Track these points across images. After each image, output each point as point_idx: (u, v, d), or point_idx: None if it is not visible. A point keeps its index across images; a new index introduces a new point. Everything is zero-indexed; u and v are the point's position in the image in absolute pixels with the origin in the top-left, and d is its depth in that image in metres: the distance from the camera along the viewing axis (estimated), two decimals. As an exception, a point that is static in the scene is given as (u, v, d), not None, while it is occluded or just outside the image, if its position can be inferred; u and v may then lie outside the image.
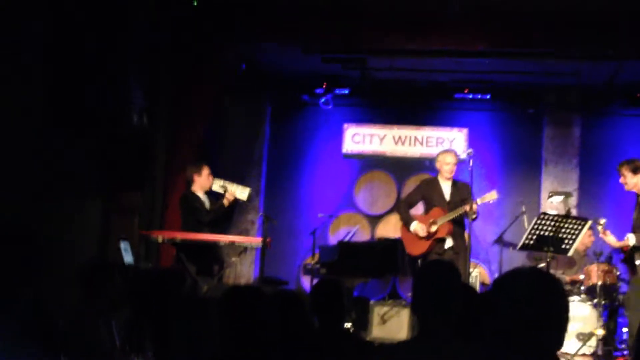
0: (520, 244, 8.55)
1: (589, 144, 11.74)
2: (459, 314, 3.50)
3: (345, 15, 9.58)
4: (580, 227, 8.37)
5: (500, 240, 9.53)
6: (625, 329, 8.70)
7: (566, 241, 8.37)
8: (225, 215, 9.28)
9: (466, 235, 8.93)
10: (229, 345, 3.89)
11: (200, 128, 10.46)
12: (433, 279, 3.63)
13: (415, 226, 8.99)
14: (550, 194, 10.34)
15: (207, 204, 9.16)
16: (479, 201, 8.79)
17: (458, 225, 8.94)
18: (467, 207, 8.70)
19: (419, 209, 9.59)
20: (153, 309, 5.00)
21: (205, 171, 9.15)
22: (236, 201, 9.20)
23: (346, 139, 12.31)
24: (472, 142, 11.57)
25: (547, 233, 8.34)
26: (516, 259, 10.08)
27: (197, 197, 9.11)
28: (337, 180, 12.33)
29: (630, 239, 8.01)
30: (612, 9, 9.01)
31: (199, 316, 5.03)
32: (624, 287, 8.75)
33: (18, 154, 7.29)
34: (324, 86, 11.85)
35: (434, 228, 8.89)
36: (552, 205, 10.26)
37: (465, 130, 11.98)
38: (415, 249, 9.04)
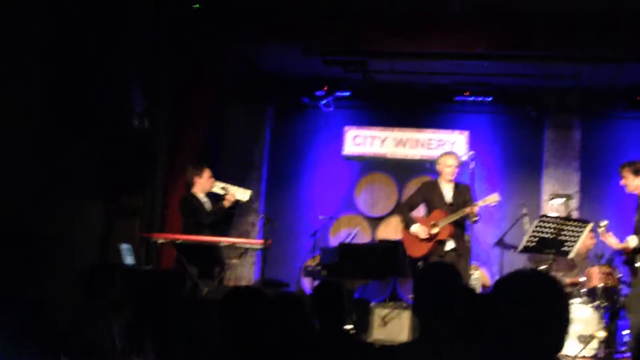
0: (521, 247, 8.53)
1: (589, 146, 11.74)
2: (460, 316, 3.49)
3: (345, 17, 9.58)
4: (581, 230, 8.35)
5: (501, 243, 9.52)
6: (626, 331, 8.69)
7: (567, 243, 8.35)
8: (226, 217, 9.27)
9: (467, 237, 8.93)
10: (230, 347, 3.89)
11: (201, 129, 10.45)
12: (434, 281, 3.63)
13: (416, 228, 8.98)
14: (551, 197, 10.33)
15: (207, 205, 9.15)
16: (480, 203, 8.79)
17: (459, 228, 8.93)
18: (468, 210, 8.70)
19: (420, 211, 9.58)
20: (154, 310, 5.00)
21: (206, 173, 9.15)
22: (237, 203, 9.20)
23: (347, 141, 12.30)
24: (473, 144, 11.56)
25: (548, 235, 8.33)
26: (517, 262, 10.07)
27: (198, 199, 9.11)
28: (338, 182, 12.33)
29: (631, 241, 8.00)
30: (612, 11, 9.00)
31: (199, 318, 5.04)
32: (625, 290, 8.74)
33: (18, 154, 7.30)
34: (325, 88, 11.86)
35: (435, 230, 8.88)
36: (553, 207, 10.25)
37: (466, 133, 11.97)
38: (416, 251, 9.04)
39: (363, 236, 11.88)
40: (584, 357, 8.32)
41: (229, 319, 3.95)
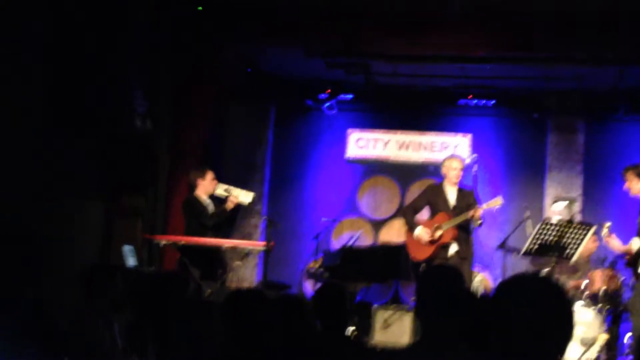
0: (523, 250, 8.53)
1: (593, 149, 11.73)
2: (462, 319, 3.49)
3: (347, 19, 9.57)
4: (584, 233, 8.34)
5: (503, 246, 9.50)
6: (628, 335, 8.68)
7: (570, 247, 8.34)
8: (229, 219, 9.26)
9: (470, 240, 8.93)
10: (232, 349, 3.89)
11: (203, 130, 10.45)
12: (436, 284, 3.63)
13: (419, 231, 8.98)
14: (554, 200, 10.32)
15: (210, 208, 9.15)
16: (484, 207, 8.79)
17: (463, 231, 8.92)
18: (471, 213, 8.69)
19: (424, 214, 9.57)
20: (156, 312, 5.00)
21: (209, 176, 9.15)
22: (239, 205, 9.19)
23: (350, 143, 12.31)
24: (476, 147, 11.56)
25: (550, 239, 8.32)
26: (519, 265, 10.06)
27: (201, 202, 9.10)
28: (341, 185, 12.33)
29: (635, 244, 7.99)
30: (613, 12, 8.98)
31: (201, 319, 5.04)
32: (627, 293, 8.72)
33: (18, 154, 7.30)
34: (328, 91, 11.86)
35: (438, 233, 8.88)
36: (556, 211, 10.24)
37: (469, 136, 11.97)
38: (420, 254, 9.03)
39: (365, 239, 11.87)
40: (586, 360, 8.32)
41: (231, 321, 3.95)
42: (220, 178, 9.42)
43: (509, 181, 11.86)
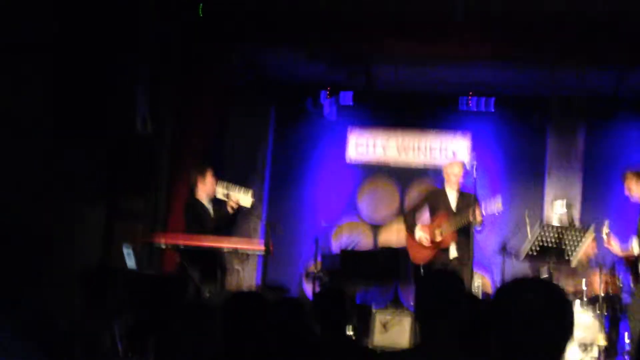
0: (523, 254, 8.53)
1: (592, 152, 11.73)
2: (461, 323, 3.49)
3: (349, 23, 9.58)
4: (583, 237, 8.35)
5: (503, 250, 9.51)
6: (627, 339, 8.69)
7: (569, 250, 8.35)
8: (228, 222, 9.27)
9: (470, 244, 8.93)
10: (231, 352, 3.89)
11: (204, 133, 10.45)
12: (436, 287, 3.63)
13: (419, 234, 8.99)
14: (554, 202, 10.32)
15: (211, 211, 9.16)
16: (485, 211, 8.80)
17: (464, 235, 8.91)
18: (471, 217, 8.69)
19: (425, 218, 9.56)
20: (155, 313, 5.01)
21: (209, 176, 9.14)
22: (239, 208, 9.20)
23: (350, 146, 12.32)
24: (475, 150, 11.53)
25: (549, 243, 8.33)
26: (519, 268, 10.05)
27: (202, 206, 9.11)
28: (341, 188, 12.33)
29: (635, 244, 8.00)
30: (615, 17, 8.99)
31: (201, 322, 5.04)
32: (626, 297, 8.73)
33: (19, 155, 7.30)
34: (328, 94, 11.87)
35: (438, 237, 8.88)
36: (556, 213, 10.25)
37: (468, 139, 11.98)
38: (420, 257, 9.04)
39: (365, 242, 11.88)
40: (585, 363, 8.32)
41: (230, 324, 3.96)
42: (221, 180, 9.42)
43: (509, 183, 11.85)
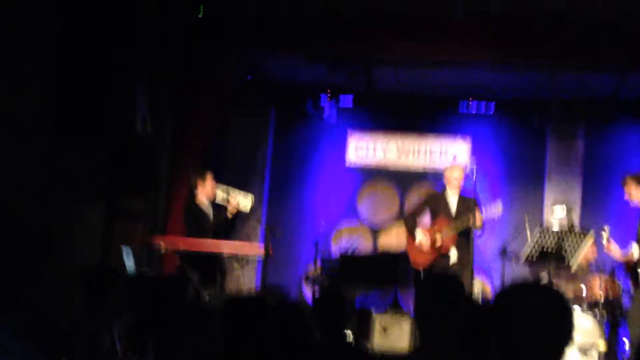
0: (523, 258, 8.52)
1: (592, 156, 11.73)
2: (461, 326, 3.49)
3: (349, 24, 9.58)
4: (582, 242, 8.34)
5: (502, 253, 9.50)
6: (626, 343, 8.68)
7: (569, 254, 8.34)
8: (228, 226, 9.27)
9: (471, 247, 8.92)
10: (231, 354, 3.89)
11: (204, 134, 10.44)
12: (436, 291, 3.62)
13: (419, 238, 8.98)
14: (554, 206, 10.30)
15: (210, 215, 9.16)
16: (485, 215, 8.79)
17: (464, 238, 8.89)
18: (471, 220, 8.68)
19: (425, 221, 9.55)
20: (155, 315, 5.00)
21: (209, 179, 9.15)
22: (239, 212, 9.21)
23: (349, 149, 12.32)
24: (475, 154, 11.55)
25: (549, 248, 8.32)
26: (519, 272, 10.04)
27: (201, 209, 9.11)
28: (340, 191, 12.32)
29: (635, 249, 7.99)
30: (616, 19, 8.98)
31: (200, 324, 5.03)
32: (626, 301, 8.72)
33: (19, 155, 7.30)
34: (328, 96, 11.86)
35: (438, 241, 8.88)
36: (555, 217, 10.24)
37: (468, 142, 11.98)
38: (420, 261, 9.04)
39: (365, 245, 11.88)
40: (584, 367, 8.31)
41: (230, 327, 3.95)
42: (221, 182, 9.42)
43: (508, 187, 11.85)
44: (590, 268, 9.52)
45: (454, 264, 8.90)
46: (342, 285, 9.34)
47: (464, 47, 9.68)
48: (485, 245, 10.67)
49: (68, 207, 8.09)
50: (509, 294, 2.66)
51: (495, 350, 2.58)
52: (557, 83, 10.67)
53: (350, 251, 10.71)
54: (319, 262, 10.20)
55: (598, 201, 11.50)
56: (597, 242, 8.68)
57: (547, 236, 8.33)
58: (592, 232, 8.45)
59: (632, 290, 8.41)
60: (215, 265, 9.03)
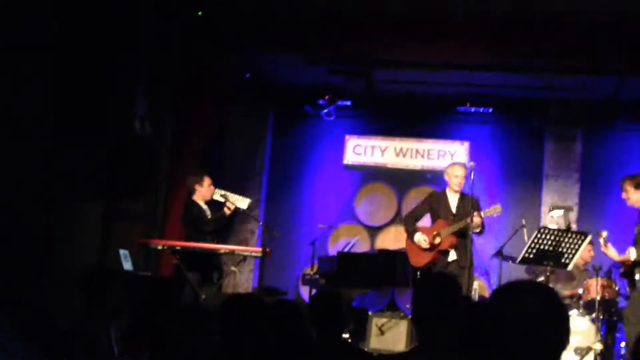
0: (519, 258, 8.53)
1: (590, 158, 11.75)
2: (458, 326, 3.50)
3: (348, 26, 9.59)
4: (580, 242, 8.35)
5: (499, 254, 9.52)
6: (623, 344, 8.70)
7: (566, 255, 8.35)
8: (226, 225, 9.30)
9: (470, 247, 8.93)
10: (227, 354, 3.90)
11: (203, 135, 10.46)
12: (433, 292, 3.64)
13: (418, 237, 8.99)
14: (551, 208, 10.33)
15: (208, 213, 9.18)
16: (483, 213, 8.80)
17: (463, 238, 8.89)
18: (469, 220, 8.69)
19: (426, 221, 9.56)
20: (151, 316, 5.01)
21: (207, 181, 9.18)
22: (236, 210, 9.23)
23: (347, 150, 12.34)
24: (473, 155, 11.58)
25: (546, 247, 8.33)
26: (515, 273, 10.06)
27: (199, 206, 9.13)
28: (338, 191, 12.34)
29: (632, 253, 8.01)
30: (615, 22, 8.99)
31: (197, 324, 5.05)
32: (622, 302, 8.74)
33: (19, 155, 7.31)
34: (327, 97, 11.88)
35: (437, 240, 8.89)
36: (553, 219, 10.26)
37: (466, 143, 12.00)
38: (419, 260, 9.04)
39: (362, 245, 11.90)
40: (581, 368, 8.33)
41: (227, 326, 3.97)
42: (219, 183, 9.45)
43: (506, 189, 11.87)
44: (587, 268, 9.56)
45: (452, 263, 8.91)
46: (339, 285, 9.36)
47: (463, 47, 9.70)
48: (483, 246, 10.70)
49: (68, 207, 8.10)
50: (505, 292, 2.67)
51: (492, 349, 2.60)
52: (557, 83, 10.69)
53: (347, 249, 10.72)
54: (315, 261, 10.22)
55: (595, 203, 11.53)
56: (594, 241, 8.70)
57: (544, 235, 8.33)
58: (590, 236, 8.47)
59: (628, 291, 8.42)
60: (212, 265, 9.05)
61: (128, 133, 8.47)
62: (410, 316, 8.88)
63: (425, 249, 8.98)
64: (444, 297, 3.56)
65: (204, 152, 10.48)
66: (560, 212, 10.06)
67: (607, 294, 8.62)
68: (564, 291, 9.26)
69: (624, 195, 8.31)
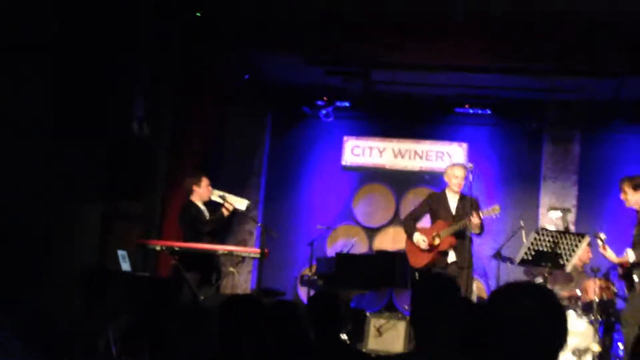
0: (518, 259, 8.54)
1: (588, 160, 11.75)
2: (456, 327, 3.51)
3: (348, 28, 9.59)
4: (578, 243, 8.37)
5: (498, 255, 9.53)
6: (620, 345, 8.71)
7: (564, 257, 8.37)
8: (224, 225, 9.30)
9: (469, 248, 8.94)
10: (226, 355, 3.91)
11: (202, 136, 10.47)
12: (431, 293, 3.65)
13: (417, 238, 9.00)
14: (549, 210, 10.34)
15: (206, 214, 9.19)
16: (481, 214, 8.81)
17: (462, 239, 8.89)
18: (467, 220, 8.71)
19: (426, 222, 9.57)
20: (150, 316, 5.02)
21: (205, 182, 9.19)
22: (235, 211, 9.24)
23: (346, 151, 12.35)
24: (471, 156, 11.58)
25: (545, 248, 8.34)
26: (514, 274, 10.08)
27: (197, 207, 9.14)
28: (336, 192, 12.35)
29: (630, 255, 8.02)
30: (614, 24, 9.00)
31: (195, 325, 5.07)
32: (620, 304, 8.76)
33: (19, 156, 7.31)
34: (325, 98, 11.89)
35: (436, 241, 8.90)
36: (551, 220, 10.27)
37: (465, 145, 12.01)
38: (418, 261, 9.05)
39: (360, 246, 11.89)
40: (578, 370, 8.34)
41: (225, 327, 3.98)
42: (218, 184, 9.45)
43: (504, 190, 11.88)
44: (585, 269, 9.57)
45: (451, 264, 8.92)
46: (337, 286, 9.36)
47: (463, 48, 9.70)
48: (481, 247, 10.71)
49: (68, 207, 8.10)
50: (503, 293, 2.68)
51: (490, 350, 2.61)
52: (556, 85, 10.70)
53: (345, 250, 10.73)
54: (314, 262, 10.23)
55: (594, 205, 11.54)
56: (592, 243, 8.71)
57: (542, 237, 8.34)
58: (588, 237, 8.48)
59: (626, 293, 8.44)
60: (210, 266, 9.06)
61: (128, 133, 8.47)
62: (408, 317, 8.90)
63: (424, 250, 8.99)
64: (443, 298, 3.57)
65: (204, 153, 10.49)
66: (559, 213, 10.09)
67: (605, 296, 8.64)
68: (562, 292, 9.26)
69: (622, 197, 8.32)
